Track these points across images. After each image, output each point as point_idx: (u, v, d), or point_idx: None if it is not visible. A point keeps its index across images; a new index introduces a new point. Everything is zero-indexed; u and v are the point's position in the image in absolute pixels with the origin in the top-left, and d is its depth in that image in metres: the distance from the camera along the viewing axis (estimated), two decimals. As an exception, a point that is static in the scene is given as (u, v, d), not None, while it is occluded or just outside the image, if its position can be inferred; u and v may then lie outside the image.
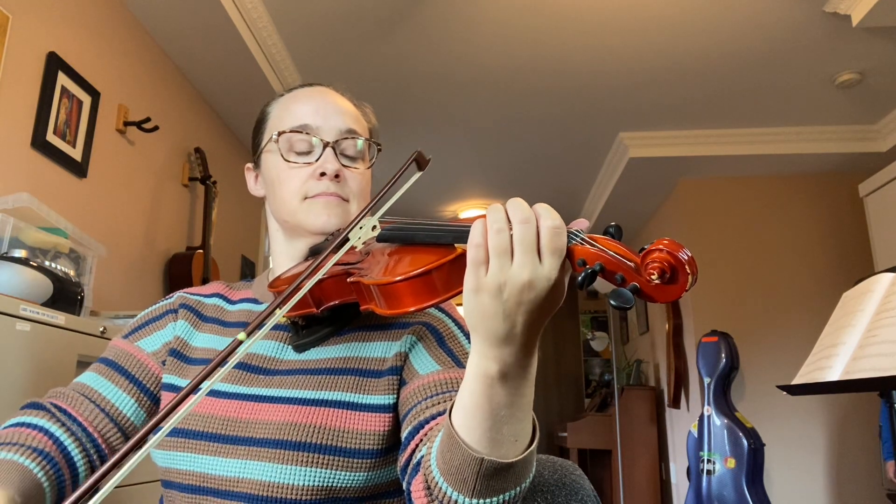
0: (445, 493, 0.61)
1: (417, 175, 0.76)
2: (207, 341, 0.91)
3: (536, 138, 4.03)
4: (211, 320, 0.95)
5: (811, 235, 4.15)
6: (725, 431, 3.52)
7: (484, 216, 0.58)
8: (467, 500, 0.60)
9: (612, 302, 0.53)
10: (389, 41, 3.04)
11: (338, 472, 0.75)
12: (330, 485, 0.74)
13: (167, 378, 0.89)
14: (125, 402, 0.87)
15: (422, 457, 0.68)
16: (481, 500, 0.60)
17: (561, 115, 3.74)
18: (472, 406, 0.59)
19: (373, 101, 1.06)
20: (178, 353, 0.91)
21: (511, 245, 0.55)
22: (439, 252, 0.65)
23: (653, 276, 0.52)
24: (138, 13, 2.64)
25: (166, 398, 0.87)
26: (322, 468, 0.74)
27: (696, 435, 3.65)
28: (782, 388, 1.60)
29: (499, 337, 0.56)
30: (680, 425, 4.39)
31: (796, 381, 1.56)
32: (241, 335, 0.57)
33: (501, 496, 0.60)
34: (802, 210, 4.21)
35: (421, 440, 0.71)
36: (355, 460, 0.76)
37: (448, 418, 0.62)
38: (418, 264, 0.64)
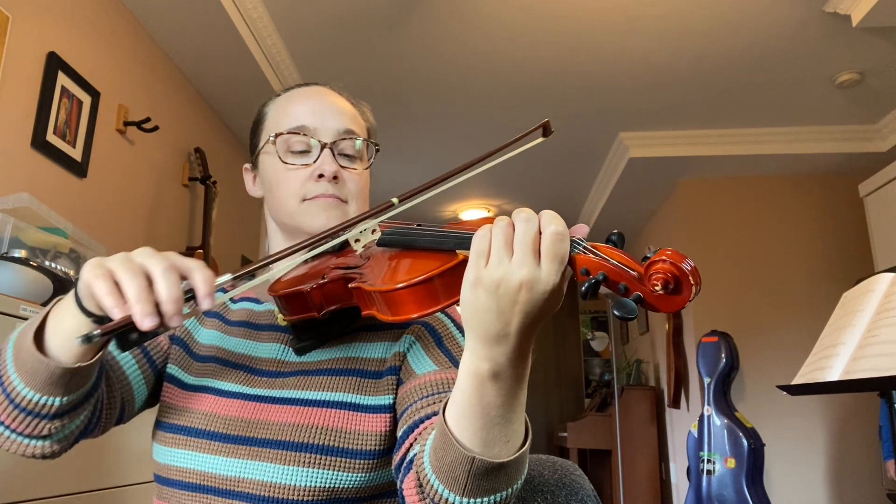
0: (437, 490, 0.61)
1: (539, 141, 0.82)
2: (212, 338, 0.91)
3: (536, 138, 4.02)
4: (214, 315, 0.94)
5: (811, 235, 4.15)
6: (725, 431, 3.52)
7: (491, 219, 0.59)
8: (458, 498, 0.60)
9: (615, 312, 0.53)
10: (389, 42, 3.03)
11: (339, 473, 0.75)
12: (332, 485, 0.74)
13: (170, 369, 0.88)
14: (128, 362, 0.86)
15: (415, 455, 0.68)
16: (472, 500, 0.60)
17: (561, 116, 3.74)
18: (464, 404, 0.59)
19: (372, 101, 1.06)
20: (184, 344, 0.90)
21: (512, 242, 0.55)
22: (441, 258, 0.64)
23: (656, 287, 0.52)
24: (138, 13, 2.64)
25: (168, 391, 0.86)
26: (324, 469, 0.74)
27: (696, 435, 3.65)
28: (782, 388, 1.60)
29: (491, 335, 0.56)
30: (680, 425, 4.39)
31: (796, 381, 1.56)
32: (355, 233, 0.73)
33: (493, 496, 0.60)
34: (802, 210, 4.21)
35: (415, 439, 0.71)
36: (357, 461, 0.76)
37: (441, 415, 0.62)
38: (420, 271, 0.64)
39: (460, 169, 0.77)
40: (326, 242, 0.75)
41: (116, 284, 0.60)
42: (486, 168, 0.79)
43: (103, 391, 0.80)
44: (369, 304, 0.71)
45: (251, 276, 0.69)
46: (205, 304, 0.61)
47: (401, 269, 0.68)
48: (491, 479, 0.59)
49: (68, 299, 0.67)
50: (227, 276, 0.66)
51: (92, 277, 0.61)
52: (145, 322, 0.58)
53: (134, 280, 0.60)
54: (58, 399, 0.69)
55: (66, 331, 0.66)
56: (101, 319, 0.64)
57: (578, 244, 0.57)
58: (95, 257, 0.64)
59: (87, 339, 0.59)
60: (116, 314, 0.59)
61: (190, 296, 0.61)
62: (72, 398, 0.71)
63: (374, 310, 0.70)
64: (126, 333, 0.61)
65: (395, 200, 0.75)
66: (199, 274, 0.62)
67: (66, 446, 0.77)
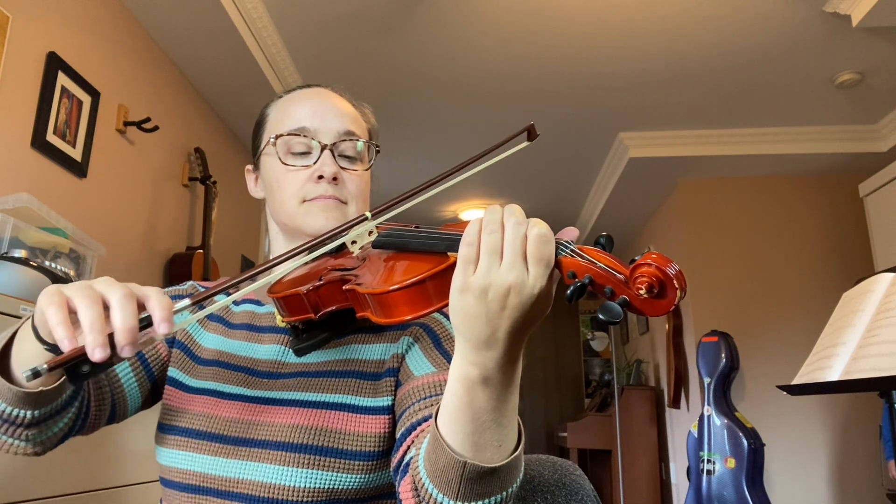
0: (431, 494, 0.61)
1: (524, 145, 0.81)
2: (214, 342, 0.91)
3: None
4: (216, 319, 0.94)
5: (811, 235, 4.15)
6: (725, 431, 3.52)
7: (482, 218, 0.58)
8: (452, 502, 0.60)
9: (600, 316, 0.52)
10: (389, 42, 3.04)
11: (338, 474, 0.75)
12: (330, 486, 0.75)
13: (172, 372, 0.89)
14: (123, 367, 0.86)
15: (411, 458, 0.68)
16: (466, 503, 0.60)
17: (561, 116, 3.74)
18: (455, 409, 0.59)
19: (372, 101, 1.06)
20: (186, 349, 0.91)
21: (502, 246, 0.55)
22: (433, 260, 0.64)
23: (641, 291, 0.52)
24: (138, 13, 2.64)
25: (169, 393, 0.87)
26: (323, 470, 0.74)
27: (696, 435, 3.65)
28: (782, 388, 1.60)
29: (480, 340, 0.56)
30: (680, 425, 4.39)
31: (796, 381, 1.56)
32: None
33: (487, 500, 0.60)
34: (802, 210, 4.21)
35: (412, 442, 0.71)
36: (356, 462, 0.76)
37: (434, 420, 0.62)
38: (412, 273, 0.64)
39: (445, 175, 0.76)
40: (316, 250, 0.74)
41: (72, 313, 0.57)
42: (473, 173, 0.78)
43: (90, 393, 0.81)
44: (364, 307, 0.71)
45: (210, 300, 0.64)
46: (161, 328, 0.58)
47: (394, 272, 0.67)
48: (484, 483, 0.59)
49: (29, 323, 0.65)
50: (185, 302, 0.63)
51: (47, 305, 0.57)
52: (97, 353, 0.54)
53: (91, 308, 0.56)
54: (28, 412, 0.69)
55: (24, 358, 0.65)
56: (54, 348, 0.61)
57: (566, 247, 0.57)
58: (54, 285, 0.60)
59: (35, 374, 0.55)
60: (66, 345, 0.55)
61: (145, 324, 0.59)
62: (44, 411, 0.71)
63: (368, 312, 0.70)
64: (77, 366, 0.57)
65: (368, 214, 0.74)
66: (155, 300, 0.59)
67: (50, 447, 0.78)
